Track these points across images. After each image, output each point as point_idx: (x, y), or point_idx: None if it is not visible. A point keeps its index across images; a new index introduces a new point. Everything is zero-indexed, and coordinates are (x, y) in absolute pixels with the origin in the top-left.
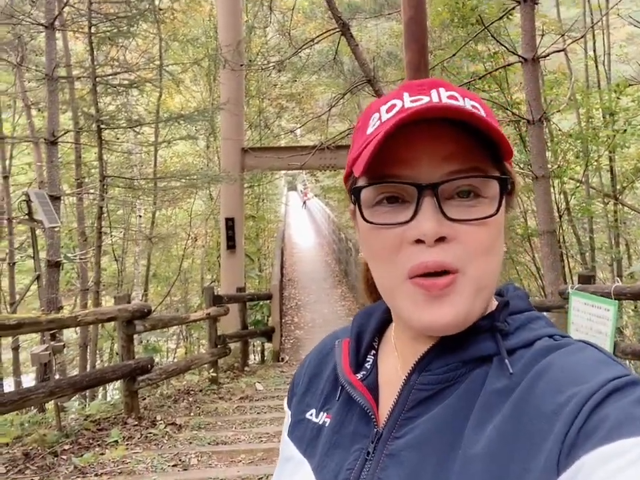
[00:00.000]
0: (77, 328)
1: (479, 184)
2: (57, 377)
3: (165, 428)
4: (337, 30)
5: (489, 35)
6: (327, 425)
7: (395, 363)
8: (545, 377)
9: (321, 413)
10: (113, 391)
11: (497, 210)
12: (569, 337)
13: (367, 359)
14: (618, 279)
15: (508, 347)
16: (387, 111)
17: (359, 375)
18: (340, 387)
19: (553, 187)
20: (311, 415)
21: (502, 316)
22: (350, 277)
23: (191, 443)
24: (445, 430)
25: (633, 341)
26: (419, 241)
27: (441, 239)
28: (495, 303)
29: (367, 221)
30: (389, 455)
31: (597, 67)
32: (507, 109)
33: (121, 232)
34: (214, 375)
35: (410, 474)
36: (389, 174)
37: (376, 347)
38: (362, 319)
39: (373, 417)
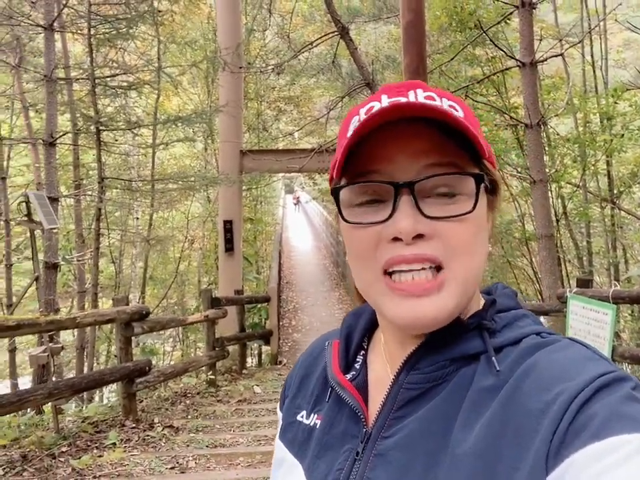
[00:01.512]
0: (74, 330)
1: (455, 181)
2: (53, 379)
3: (162, 430)
4: (336, 33)
5: (487, 39)
6: (317, 426)
7: (383, 363)
8: (531, 375)
9: (312, 414)
10: (110, 394)
11: (474, 207)
12: (556, 335)
13: (357, 359)
14: (616, 282)
15: (495, 345)
16: (366, 113)
17: (349, 375)
18: (330, 388)
19: (551, 191)
20: (302, 416)
21: (489, 314)
22: (347, 280)
23: (188, 445)
24: (434, 429)
25: (630, 345)
26: (396, 239)
27: (419, 237)
28: (482, 302)
29: (346, 221)
30: (377, 454)
31: (594, 71)
32: (505, 113)
33: (119, 234)
34: (212, 377)
35: (398, 473)
36: (367, 173)
37: (365, 347)
38: (351, 319)
39: (362, 416)
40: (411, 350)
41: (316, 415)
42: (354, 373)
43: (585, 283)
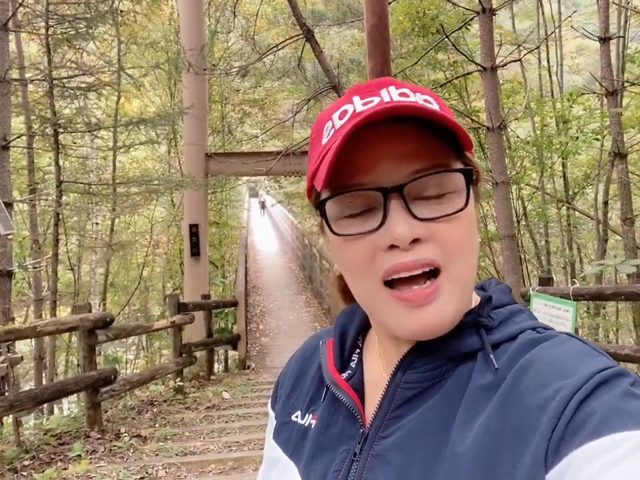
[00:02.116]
0: (31, 340)
1: (443, 179)
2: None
3: (129, 440)
4: (301, 36)
5: (449, 44)
6: (312, 426)
7: (378, 362)
8: (529, 371)
9: (307, 414)
10: (70, 404)
11: (466, 203)
12: (551, 329)
13: (352, 358)
14: (575, 280)
15: (492, 342)
16: (340, 118)
17: (344, 375)
18: (325, 388)
19: (511, 192)
20: (297, 416)
21: (485, 311)
22: (314, 283)
23: (157, 454)
24: (432, 429)
25: (589, 340)
26: (392, 247)
27: (415, 241)
28: (477, 298)
29: (336, 234)
30: (375, 455)
31: (550, 76)
32: (467, 116)
33: (77, 239)
34: (180, 384)
35: (397, 474)
36: (352, 183)
37: (360, 345)
38: (345, 318)
39: (358, 416)
40: (406, 349)
41: (311, 415)
42: (350, 372)
43: (546, 281)
